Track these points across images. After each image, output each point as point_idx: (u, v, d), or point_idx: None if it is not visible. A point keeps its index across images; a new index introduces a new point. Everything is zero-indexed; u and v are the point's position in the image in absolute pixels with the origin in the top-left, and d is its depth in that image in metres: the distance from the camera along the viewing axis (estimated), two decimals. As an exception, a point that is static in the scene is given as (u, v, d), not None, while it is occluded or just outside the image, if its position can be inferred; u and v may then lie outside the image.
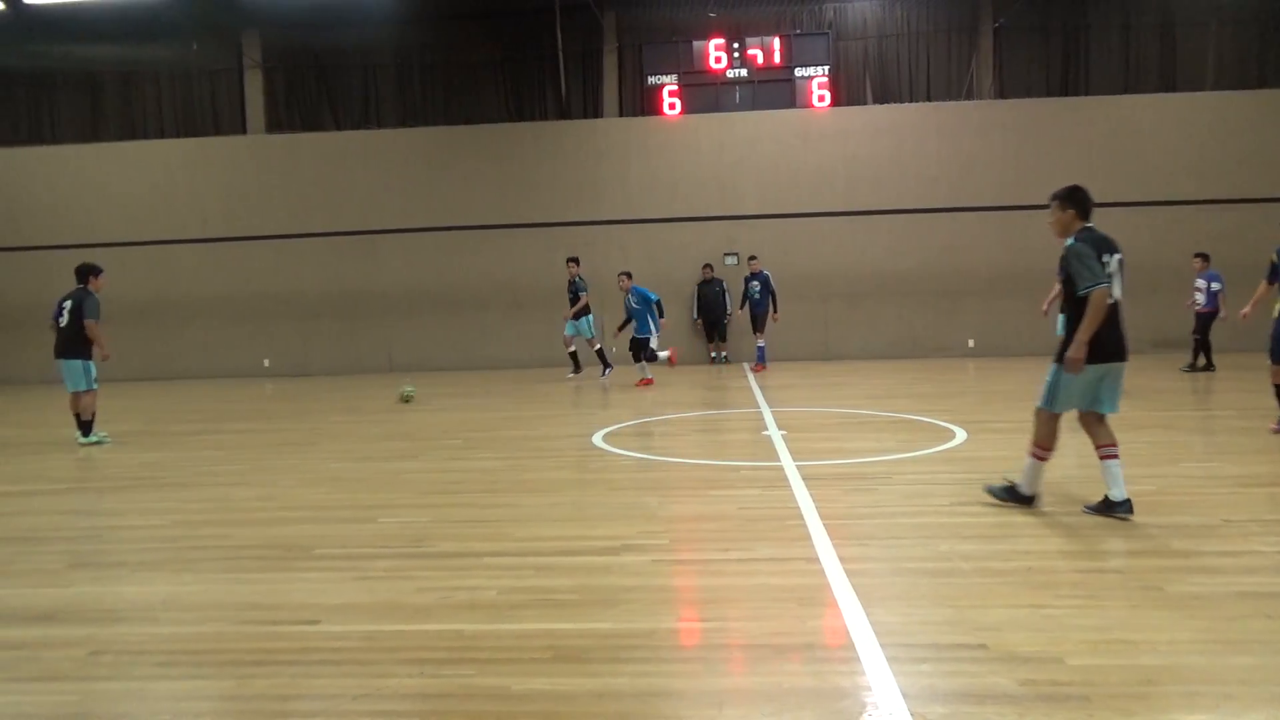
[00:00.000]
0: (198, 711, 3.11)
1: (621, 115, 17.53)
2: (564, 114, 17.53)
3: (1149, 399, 10.44)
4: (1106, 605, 3.80)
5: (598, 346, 14.25)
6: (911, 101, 17.08)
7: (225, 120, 17.95)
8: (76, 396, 9.22)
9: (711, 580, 4.40)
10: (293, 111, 17.92)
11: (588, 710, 3.00)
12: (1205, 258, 13.36)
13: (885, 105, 17.04)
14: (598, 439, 8.48)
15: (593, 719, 2.95)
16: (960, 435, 8.05)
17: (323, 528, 5.59)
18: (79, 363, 9.17)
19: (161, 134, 17.87)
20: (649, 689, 3.15)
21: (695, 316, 16.80)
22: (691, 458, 7.57)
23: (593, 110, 17.64)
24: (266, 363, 17.42)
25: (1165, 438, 7.88)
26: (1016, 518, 5.24)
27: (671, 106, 17.06)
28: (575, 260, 14.41)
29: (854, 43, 17.29)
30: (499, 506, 5.97)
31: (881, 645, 3.40)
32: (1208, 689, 3.03)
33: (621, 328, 13.85)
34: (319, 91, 17.92)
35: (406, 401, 11.29)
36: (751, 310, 15.12)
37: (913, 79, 17.33)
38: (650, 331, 13.20)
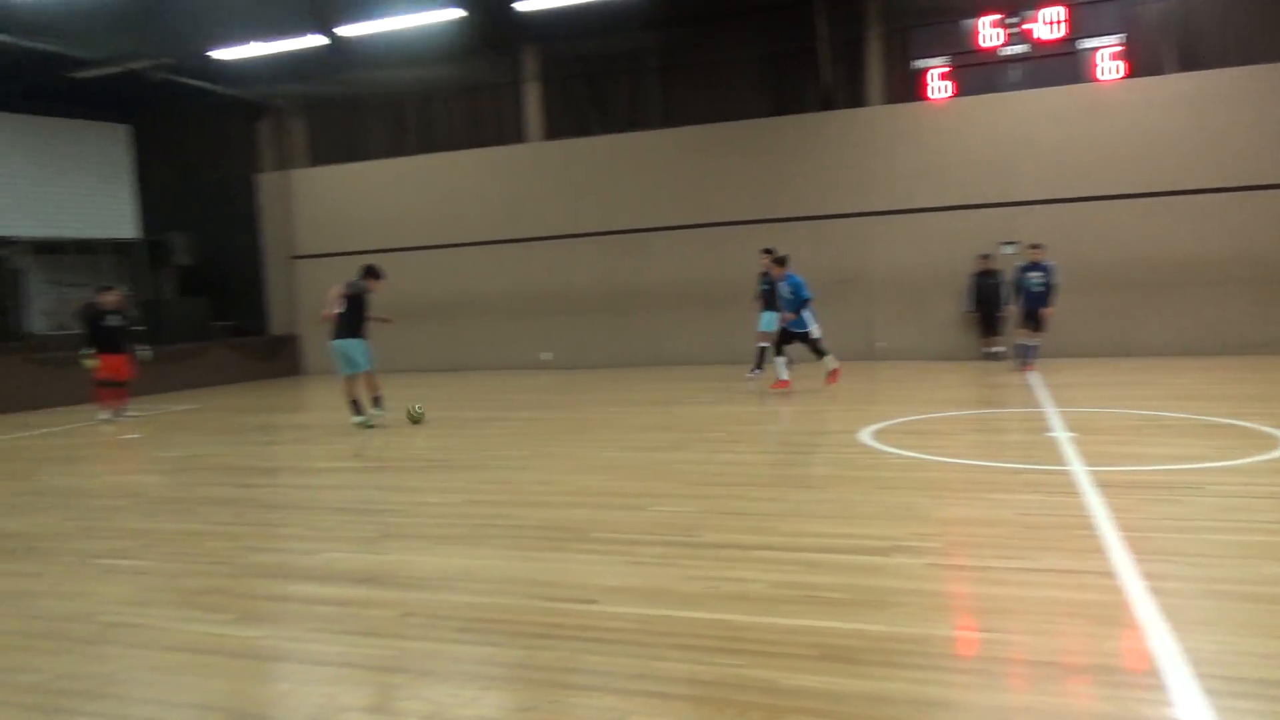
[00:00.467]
0: (493, 675, 3.38)
1: (886, 103, 16.96)
2: (826, 105, 17.23)
3: None
4: None
5: (762, 344, 13.47)
6: (1222, 68, 15.16)
7: (507, 130, 19.31)
8: (349, 380, 10.25)
9: (991, 589, 4.16)
10: (566, 118, 18.94)
11: (860, 713, 2.94)
12: None
13: (1189, 73, 15.24)
14: (865, 435, 8.27)
15: (865, 721, 2.89)
16: (1287, 443, 7.07)
17: (597, 513, 5.87)
18: (357, 342, 10.15)
19: (452, 146, 19.52)
20: (924, 697, 3.04)
21: (968, 309, 15.86)
22: (967, 458, 7.19)
23: (855, 100, 17.20)
24: (546, 356, 18.56)
25: None
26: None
27: (940, 90, 16.27)
28: (770, 251, 13.48)
29: (1151, 6, 15.60)
30: (765, 500, 5.99)
31: (1197, 676, 3.06)
32: None
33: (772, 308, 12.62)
34: (589, 98, 18.81)
35: (416, 422, 10.32)
36: (1028, 304, 13.60)
37: (1224, 41, 15.36)
38: (808, 325, 12.01)
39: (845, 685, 3.13)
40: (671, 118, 18.11)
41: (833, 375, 12.09)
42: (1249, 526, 4.93)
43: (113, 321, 12.27)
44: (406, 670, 3.45)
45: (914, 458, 7.21)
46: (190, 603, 4.37)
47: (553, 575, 4.53)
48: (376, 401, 10.35)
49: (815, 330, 12.03)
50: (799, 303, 11.92)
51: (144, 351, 12.76)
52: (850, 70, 17.23)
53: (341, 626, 3.94)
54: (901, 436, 8.22)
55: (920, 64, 16.38)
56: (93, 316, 12.17)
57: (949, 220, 16.19)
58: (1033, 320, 13.63)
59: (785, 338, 12.19)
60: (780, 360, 12.16)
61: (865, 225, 16.67)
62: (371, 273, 10.42)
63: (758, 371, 13.42)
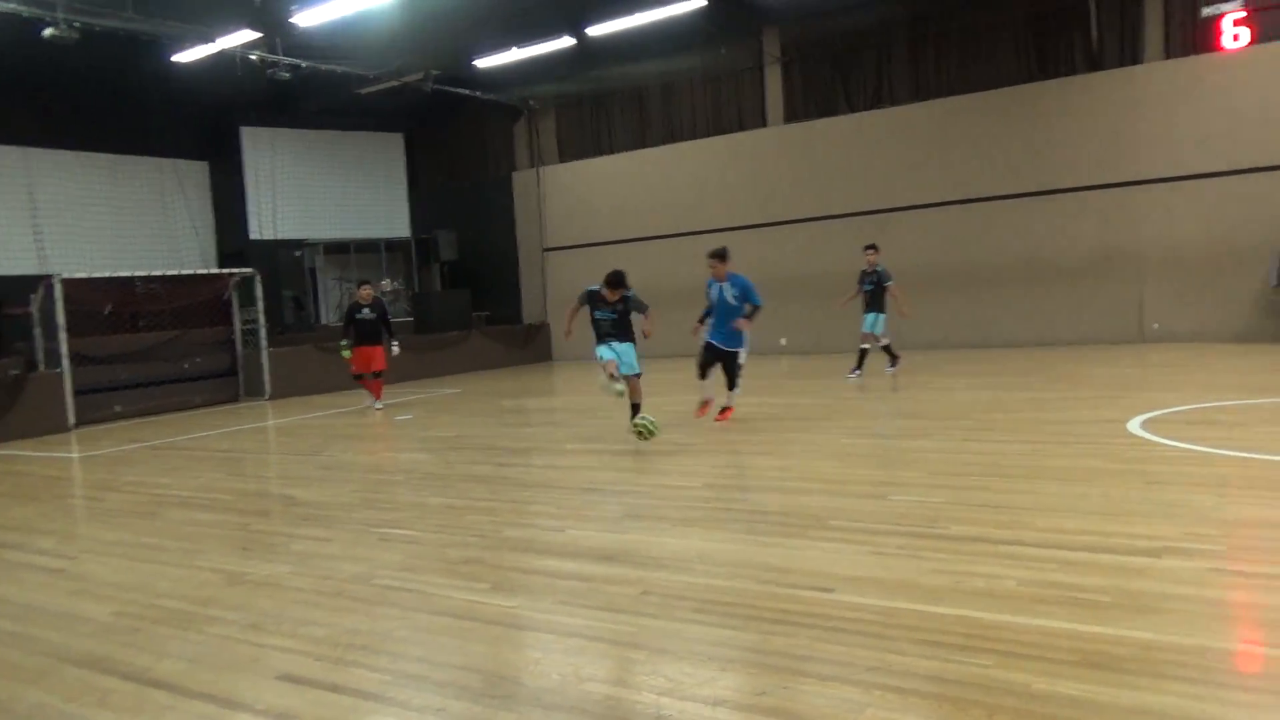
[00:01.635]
0: (728, 658, 3.43)
1: (1166, 58, 15.29)
2: (1094, 65, 15.80)
3: None
4: None
5: (864, 346, 12.84)
6: None
7: (748, 116, 19.28)
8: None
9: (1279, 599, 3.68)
10: (809, 100, 18.62)
11: (1122, 725, 2.71)
12: None
13: None
14: (1135, 425, 7.56)
15: (1128, 735, 2.66)
16: None
17: (836, 500, 5.77)
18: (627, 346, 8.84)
19: (695, 135, 19.78)
20: (1200, 714, 2.75)
21: (1276, 283, 13.90)
22: (1257, 451, 6.38)
23: (1132, 57, 15.64)
24: (783, 341, 18.44)
25: None
26: None
27: (1236, 38, 14.43)
28: (874, 247, 12.90)
29: None
30: (1017, 493, 5.63)
31: None
32: None
33: (703, 320, 9.48)
34: (833, 78, 18.38)
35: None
36: None
37: None
38: (741, 346, 9.17)
39: (1106, 694, 2.90)
40: (921, 91, 17.32)
41: (720, 411, 9.30)
42: None
43: (367, 315, 12.87)
44: (645, 647, 3.57)
45: (1191, 450, 6.50)
46: (453, 571, 4.76)
47: (789, 561, 4.51)
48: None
49: (743, 355, 9.19)
50: (741, 313, 9.05)
51: (395, 346, 13.24)
52: (1126, 24, 15.68)
53: (585, 601, 4.14)
54: (1178, 427, 7.43)
55: (1212, 10, 14.61)
56: (350, 310, 13.13)
57: (1240, 185, 14.38)
58: None
59: (711, 355, 9.19)
60: (704, 382, 9.31)
61: (1138, 194, 15.17)
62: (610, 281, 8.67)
63: (858, 372, 12.77)
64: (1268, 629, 3.46)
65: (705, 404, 9.28)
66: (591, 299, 8.68)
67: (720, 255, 9.23)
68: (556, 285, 21.13)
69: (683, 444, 8.35)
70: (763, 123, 18.99)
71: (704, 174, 19.29)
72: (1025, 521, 4.94)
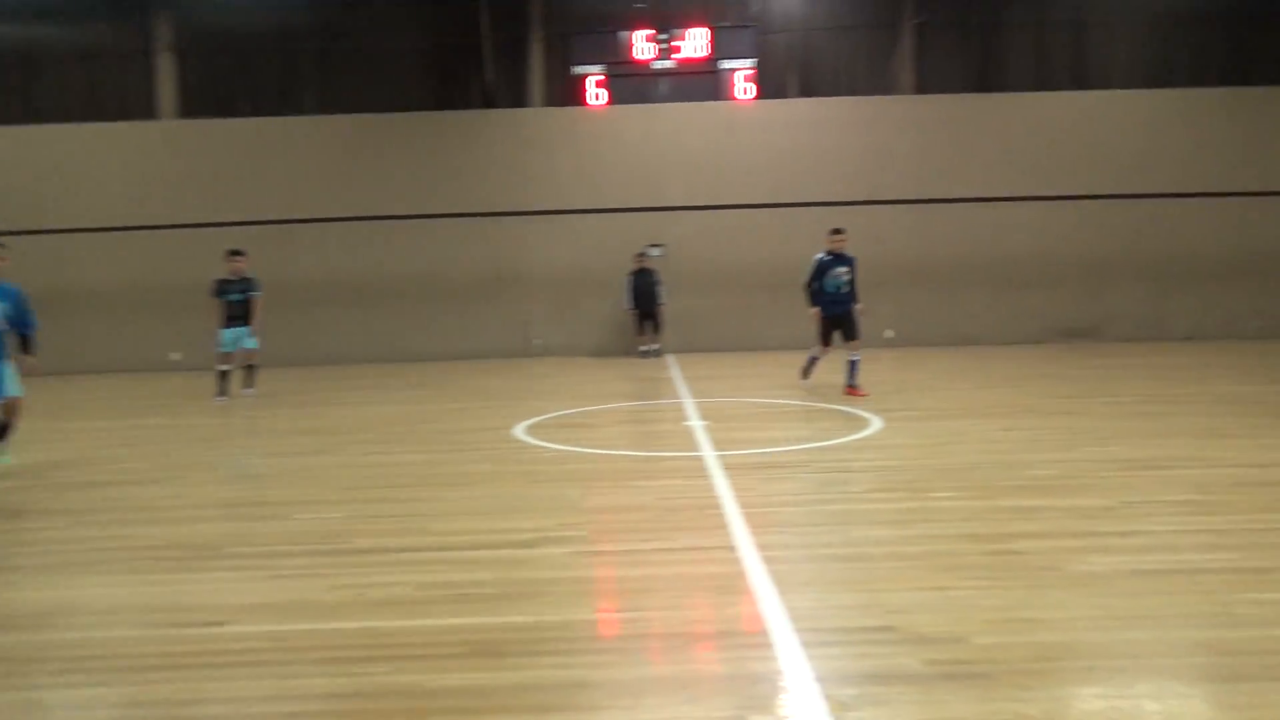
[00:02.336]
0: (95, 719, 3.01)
1: (548, 105, 17.42)
2: (489, 103, 17.34)
3: (1057, 385, 10.82)
4: (1009, 585, 3.93)
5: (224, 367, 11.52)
6: (834, 96, 17.32)
7: (134, 105, 17.27)
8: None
9: (630, 571, 4.42)
10: (207, 97, 17.33)
11: (504, 704, 2.99)
12: None
13: (809, 99, 17.26)
14: (519, 431, 8.43)
15: (509, 712, 2.94)
16: (876, 424, 8.23)
17: (234, 525, 5.44)
18: None
19: (64, 118, 17.09)
20: (567, 680, 3.15)
21: (628, 306, 16.60)
22: (614, 449, 7.58)
23: (518, 100, 17.49)
24: (175, 356, 16.84)
25: (1067, 423, 8.18)
26: (927, 503, 5.38)
27: (597, 97, 17.02)
28: (239, 253, 11.80)
29: (779, 36, 17.46)
30: (416, 501, 5.89)
31: (795, 630, 3.46)
32: (1102, 663, 3.16)
33: None
34: (235, 76, 17.37)
35: None
36: (834, 306, 10.29)
37: (836, 73, 17.58)
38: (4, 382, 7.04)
39: (491, 679, 3.17)
40: (328, 104, 17.21)
41: None
42: (844, 497, 5.68)
43: None
44: (-17, 725, 2.97)
45: (566, 450, 7.47)
46: None
47: (177, 599, 4.13)
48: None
49: (13, 387, 7.14)
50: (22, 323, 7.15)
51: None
52: (514, 70, 17.48)
53: (-104, 683, 3.30)
54: (554, 430, 8.48)
55: (580, 70, 17.01)
56: None
57: (604, 222, 16.97)
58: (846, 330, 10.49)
59: None
60: None
61: (525, 224, 16.99)
62: None
63: (224, 398, 11.37)
64: (620, 596, 4.11)
65: None
66: None
67: None
68: None
69: (46, 479, 7.13)
70: (153, 115, 17.18)
71: (72, 164, 16.73)
72: (423, 527, 5.19)
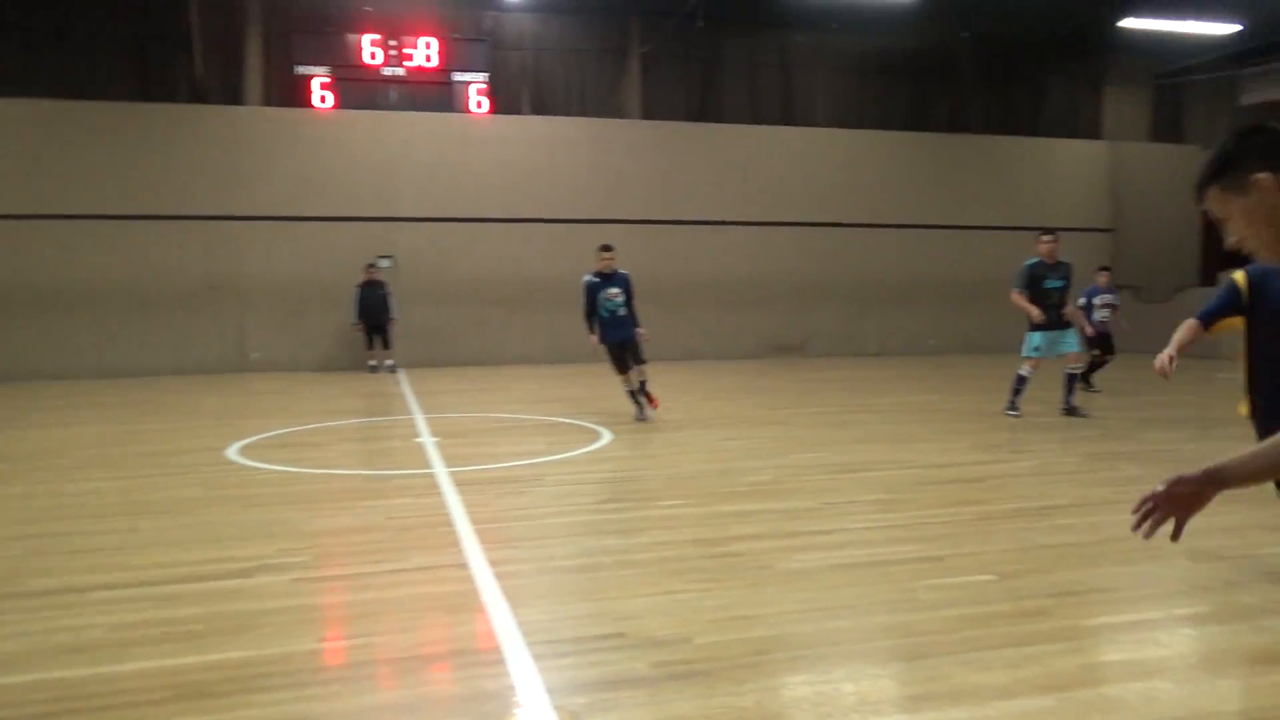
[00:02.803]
0: None
1: (267, 104, 16.38)
2: (199, 97, 16.03)
3: (772, 397, 11.69)
4: (729, 586, 4.19)
5: None
6: (567, 116, 17.68)
7: None
8: None
9: (358, 595, 4.24)
10: None
11: (212, 749, 2.76)
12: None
13: (542, 116, 17.50)
14: (234, 452, 7.83)
15: (218, 758, 2.72)
16: (607, 436, 8.47)
17: (-128, 572, 4.62)
18: None
19: None
20: (285, 716, 2.96)
21: (355, 320, 15.84)
22: (340, 468, 7.25)
23: (234, 97, 16.31)
24: None
25: (781, 433, 8.86)
26: (655, 512, 5.61)
27: (323, 100, 16.25)
28: None
29: (512, 53, 17.57)
30: (111, 533, 5.30)
31: (527, 644, 3.47)
32: (806, 653, 3.44)
33: None
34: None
35: None
36: (615, 330, 9.51)
37: (569, 93, 17.97)
38: None
39: (197, 724, 2.91)
40: (23, 86, 15.05)
41: None
42: (576, 509, 5.80)
43: None
44: None
45: (286, 471, 7.04)
46: None
47: None
48: None
49: None
50: None
51: None
52: (228, 65, 16.28)
53: None
54: (274, 450, 7.97)
55: (303, 70, 16.15)
56: None
57: (330, 231, 16.22)
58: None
59: None
60: None
61: (241, 230, 15.87)
62: None
63: None
64: (346, 624, 3.93)
65: None
66: None
67: None
68: None
69: None
70: None
71: None
72: (119, 562, 4.68)
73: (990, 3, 16.79)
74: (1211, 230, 15.51)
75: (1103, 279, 11.89)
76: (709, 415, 10.20)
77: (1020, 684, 3.15)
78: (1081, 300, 11.36)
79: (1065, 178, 19.78)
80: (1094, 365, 11.50)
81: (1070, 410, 9.49)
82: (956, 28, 18.36)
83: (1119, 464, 7.18)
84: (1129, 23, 16.81)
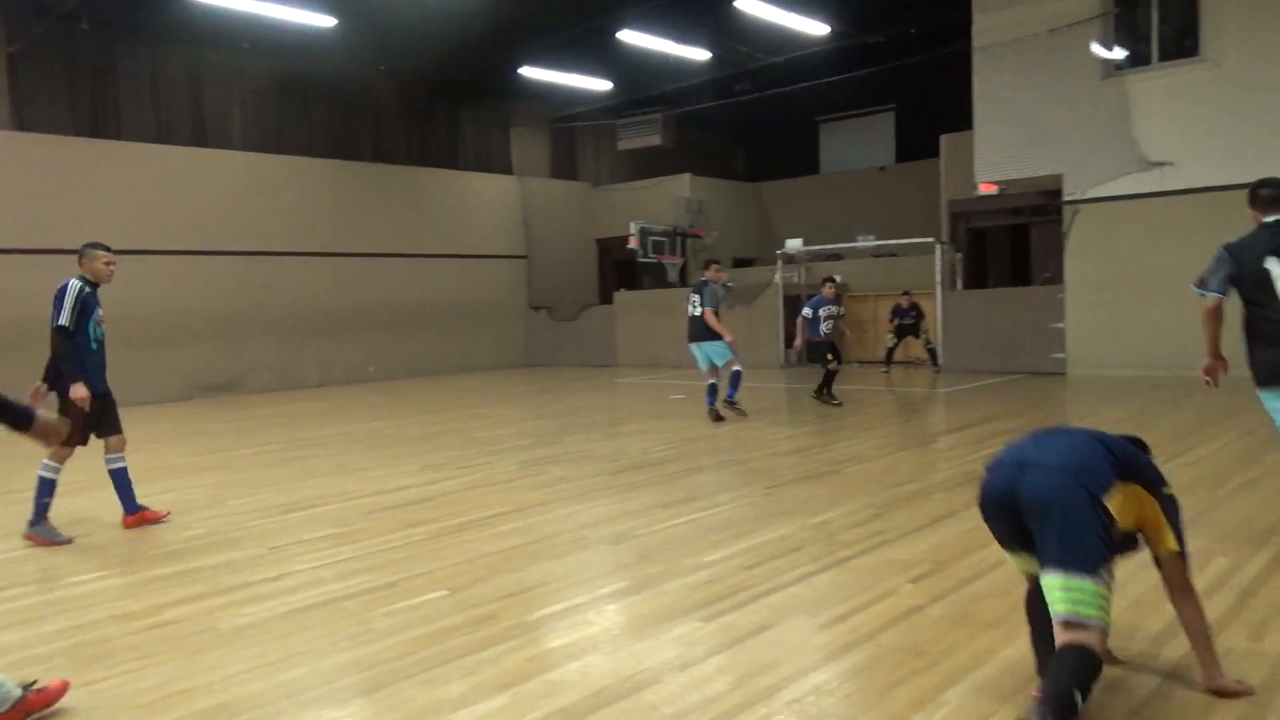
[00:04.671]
0: None
1: None
2: None
3: (206, 441, 10.70)
4: (164, 660, 3.72)
5: None
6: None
7: None
8: None
9: None
10: None
11: None
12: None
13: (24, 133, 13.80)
14: None
15: None
16: (-7, 510, 6.99)
17: None
18: None
19: None
20: None
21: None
22: None
23: None
24: None
25: (219, 478, 8.16)
26: (64, 592, 4.78)
27: None
28: None
29: None
30: None
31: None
32: (259, 712, 3.20)
33: None
34: None
35: None
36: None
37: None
38: None
39: None
40: None
41: None
42: (-49, 607, 4.67)
43: None
44: None
45: None
46: None
47: None
48: None
49: None
50: None
51: None
52: None
53: None
54: None
55: None
56: None
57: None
58: None
59: None
60: None
61: None
62: None
63: None
64: None
65: None
66: None
67: None
68: None
69: None
70: None
71: None
72: None
73: (405, 40, 17.45)
74: (605, 257, 18.31)
75: (828, 291, 12.23)
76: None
77: (477, 690, 3.30)
78: (807, 311, 11.91)
79: (483, 209, 21.35)
80: (829, 375, 11.68)
81: (720, 415, 10.42)
82: (376, 60, 18.76)
83: (547, 467, 7.94)
84: (527, 71, 18.80)
